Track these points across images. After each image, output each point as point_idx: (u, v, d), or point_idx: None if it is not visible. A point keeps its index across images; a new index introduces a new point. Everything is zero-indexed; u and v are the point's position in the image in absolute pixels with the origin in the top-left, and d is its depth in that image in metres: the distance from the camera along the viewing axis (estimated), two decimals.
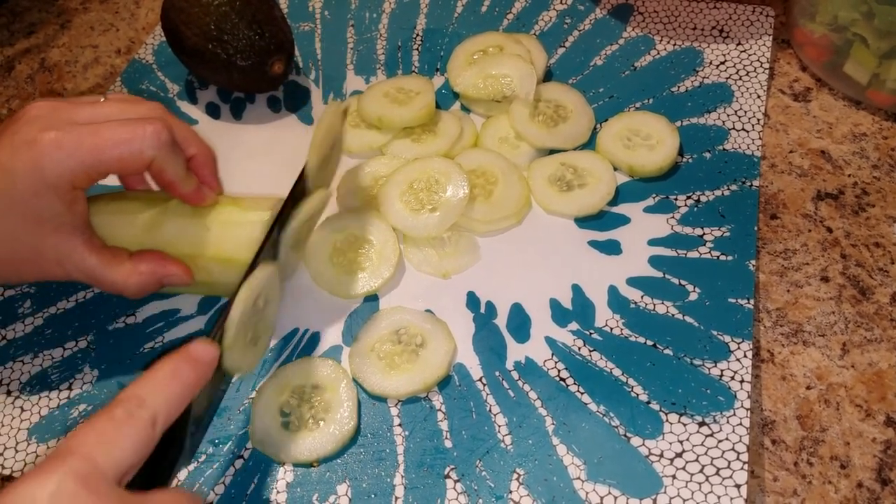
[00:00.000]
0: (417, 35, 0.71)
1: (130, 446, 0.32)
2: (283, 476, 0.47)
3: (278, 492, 0.46)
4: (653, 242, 0.55)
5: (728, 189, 0.57)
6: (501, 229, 0.57)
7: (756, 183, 0.57)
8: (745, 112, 0.61)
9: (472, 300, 0.54)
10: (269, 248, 0.47)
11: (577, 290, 0.53)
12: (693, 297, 0.52)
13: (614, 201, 0.57)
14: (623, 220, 0.56)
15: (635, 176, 0.59)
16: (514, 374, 0.50)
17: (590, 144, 0.61)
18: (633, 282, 0.53)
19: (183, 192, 0.48)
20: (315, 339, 0.53)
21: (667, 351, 0.49)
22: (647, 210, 0.57)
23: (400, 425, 0.48)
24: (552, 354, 0.50)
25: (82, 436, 0.32)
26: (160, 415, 0.34)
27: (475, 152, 0.60)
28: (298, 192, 0.50)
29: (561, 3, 0.72)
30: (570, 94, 0.63)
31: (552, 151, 0.60)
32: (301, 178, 0.51)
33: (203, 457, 0.48)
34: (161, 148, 0.45)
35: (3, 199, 0.44)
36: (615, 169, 0.58)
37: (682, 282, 0.53)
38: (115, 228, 0.50)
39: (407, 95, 0.63)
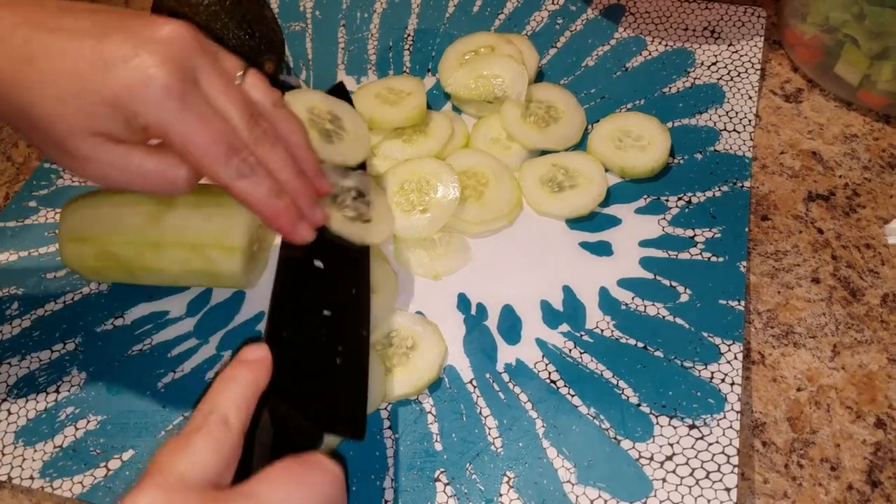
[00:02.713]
0: (409, 35, 0.71)
1: (206, 448, 0.34)
2: None
3: None
4: (644, 244, 0.55)
5: (719, 190, 0.57)
6: (493, 230, 0.57)
7: (747, 184, 0.57)
8: (737, 113, 0.61)
9: (463, 302, 0.53)
10: None
11: (567, 291, 0.53)
12: (684, 298, 0.52)
13: (605, 202, 0.57)
14: (614, 222, 0.56)
15: (626, 177, 0.58)
16: (505, 377, 0.50)
17: (581, 145, 0.61)
18: (624, 283, 0.53)
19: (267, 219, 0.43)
20: None
21: (657, 353, 0.49)
22: (639, 211, 0.57)
23: (390, 428, 0.48)
24: (543, 356, 0.50)
25: (163, 453, 0.34)
26: (230, 414, 0.36)
27: (466, 153, 0.60)
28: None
29: (553, 3, 0.72)
30: (561, 94, 0.63)
31: (544, 152, 0.60)
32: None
33: None
34: (236, 183, 0.41)
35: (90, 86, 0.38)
36: (606, 170, 0.58)
37: (673, 283, 0.52)
38: (119, 220, 0.51)
39: (398, 96, 0.63)
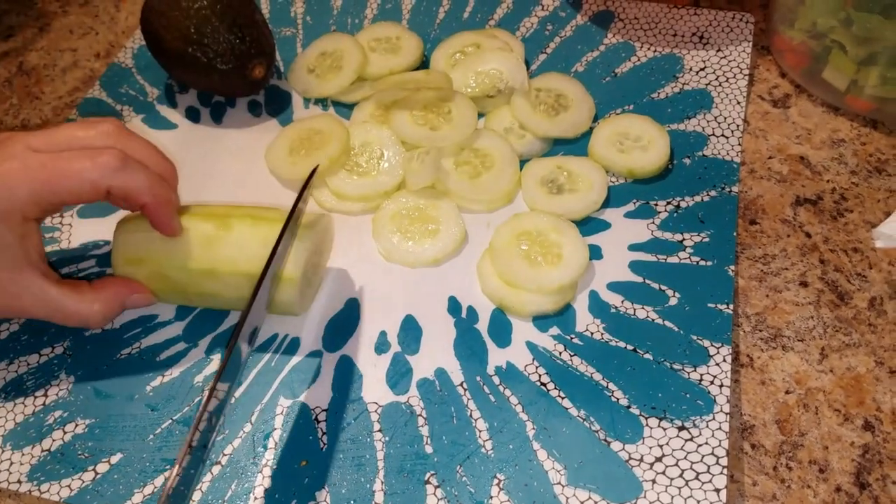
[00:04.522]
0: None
1: None
2: (262, 482, 0.46)
3: (256, 498, 0.46)
4: (633, 247, 0.55)
5: (708, 195, 0.57)
6: (467, 210, 0.58)
7: (735, 189, 0.57)
8: (725, 118, 0.61)
9: (454, 305, 0.53)
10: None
11: None
12: (673, 301, 0.52)
13: None
14: (604, 226, 0.57)
15: (636, 178, 0.58)
16: (495, 379, 0.50)
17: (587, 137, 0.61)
18: (614, 287, 0.53)
19: (154, 206, 0.47)
20: (295, 344, 0.52)
21: (647, 355, 0.50)
22: (628, 215, 0.57)
23: (380, 430, 0.48)
24: (533, 359, 0.50)
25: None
26: None
27: (485, 133, 0.61)
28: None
29: (542, 9, 0.72)
30: (569, 83, 0.64)
31: (557, 142, 0.61)
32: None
33: None
34: (115, 177, 0.45)
35: None
36: (612, 174, 0.59)
37: (662, 287, 0.53)
38: (174, 244, 0.50)
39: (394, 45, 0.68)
